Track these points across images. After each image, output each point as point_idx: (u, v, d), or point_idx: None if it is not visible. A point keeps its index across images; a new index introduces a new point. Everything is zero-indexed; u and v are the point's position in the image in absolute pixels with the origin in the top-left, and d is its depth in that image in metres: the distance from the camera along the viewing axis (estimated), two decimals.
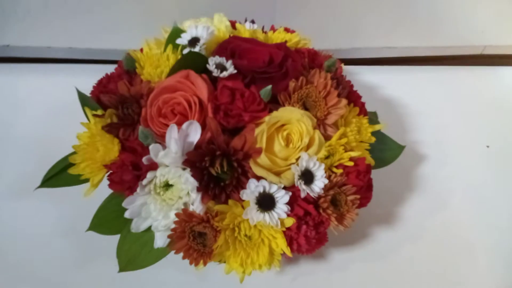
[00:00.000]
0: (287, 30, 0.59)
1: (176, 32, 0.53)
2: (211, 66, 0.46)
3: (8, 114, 0.68)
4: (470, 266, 0.57)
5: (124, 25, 0.69)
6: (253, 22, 0.60)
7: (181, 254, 0.43)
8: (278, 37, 0.57)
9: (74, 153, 0.47)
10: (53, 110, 0.69)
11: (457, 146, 0.72)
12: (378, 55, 0.84)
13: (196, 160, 0.42)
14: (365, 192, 0.49)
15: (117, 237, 0.47)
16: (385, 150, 0.58)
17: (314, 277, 0.54)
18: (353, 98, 0.53)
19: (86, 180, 0.47)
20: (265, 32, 0.59)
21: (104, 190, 0.47)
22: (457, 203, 0.64)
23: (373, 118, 0.63)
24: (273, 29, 0.60)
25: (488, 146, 0.73)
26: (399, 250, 0.58)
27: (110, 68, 0.53)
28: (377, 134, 0.54)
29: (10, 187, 0.60)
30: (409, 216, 0.61)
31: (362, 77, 0.81)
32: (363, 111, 0.54)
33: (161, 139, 0.45)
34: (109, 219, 0.47)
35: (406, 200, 0.63)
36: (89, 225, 0.47)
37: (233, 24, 0.59)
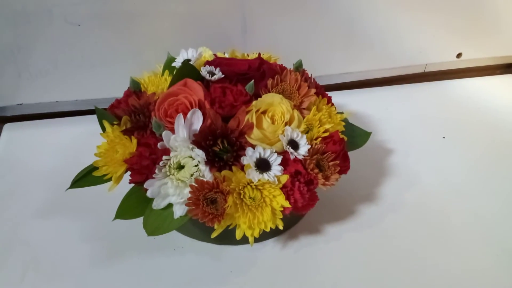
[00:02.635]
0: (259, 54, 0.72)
1: (170, 60, 0.65)
2: (203, 72, 0.58)
3: (25, 162, 0.76)
4: (444, 225, 0.65)
5: (121, 76, 0.81)
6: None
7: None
8: (252, 57, 0.69)
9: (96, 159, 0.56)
10: (64, 154, 0.77)
11: (418, 140, 0.84)
12: (339, 81, 0.98)
13: (202, 140, 0.52)
14: (342, 160, 0.59)
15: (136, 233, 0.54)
16: (355, 136, 0.68)
17: (313, 248, 0.61)
18: (320, 92, 0.65)
19: (109, 180, 0.55)
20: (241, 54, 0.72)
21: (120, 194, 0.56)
22: (424, 180, 0.74)
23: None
24: (247, 54, 0.73)
25: (444, 137, 0.84)
26: (382, 220, 0.66)
27: None
28: (346, 123, 0.65)
29: (36, 208, 0.67)
30: (387, 194, 0.70)
31: None
32: (330, 102, 0.65)
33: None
34: (131, 207, 0.55)
35: (382, 182, 0.73)
36: (115, 215, 0.54)
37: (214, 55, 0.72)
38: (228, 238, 0.58)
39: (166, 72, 0.64)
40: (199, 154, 0.51)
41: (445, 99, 0.97)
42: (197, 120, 0.54)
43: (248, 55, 0.71)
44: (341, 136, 0.60)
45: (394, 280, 0.57)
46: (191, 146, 0.52)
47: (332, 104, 0.65)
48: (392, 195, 0.70)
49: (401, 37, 0.95)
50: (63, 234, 0.63)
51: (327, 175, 0.56)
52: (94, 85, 0.81)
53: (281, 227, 0.53)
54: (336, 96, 0.94)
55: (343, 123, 0.63)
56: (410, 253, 0.61)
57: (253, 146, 0.52)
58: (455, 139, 0.84)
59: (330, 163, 0.56)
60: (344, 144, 0.59)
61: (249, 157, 0.51)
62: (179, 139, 0.52)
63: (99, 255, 0.59)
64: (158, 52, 0.81)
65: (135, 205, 0.55)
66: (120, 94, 0.83)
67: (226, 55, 0.72)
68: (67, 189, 0.56)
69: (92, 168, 0.56)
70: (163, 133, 0.52)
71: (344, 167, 0.59)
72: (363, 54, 0.95)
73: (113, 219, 0.54)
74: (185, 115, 0.55)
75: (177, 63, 0.63)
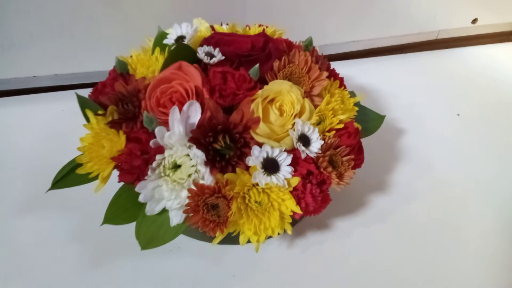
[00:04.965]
0: (260, 25, 0.64)
1: (162, 35, 0.57)
2: (201, 54, 0.50)
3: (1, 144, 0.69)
4: (460, 217, 0.61)
5: (105, 47, 0.73)
6: (228, 25, 0.65)
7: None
8: (254, 31, 0.61)
9: (80, 154, 0.49)
10: (45, 134, 0.70)
11: (431, 118, 0.78)
12: (346, 50, 0.90)
13: (200, 137, 0.45)
14: (357, 153, 0.53)
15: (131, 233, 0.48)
16: (368, 120, 0.62)
17: (322, 246, 0.56)
18: (332, 73, 0.58)
19: (95, 178, 0.49)
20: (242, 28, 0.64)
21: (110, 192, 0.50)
22: (439, 165, 0.68)
23: (352, 95, 0.67)
24: (247, 26, 0.65)
25: (458, 114, 0.78)
26: (395, 212, 0.61)
27: None
28: (358, 106, 0.58)
29: (16, 205, 0.61)
30: (399, 182, 0.65)
31: None
32: (343, 85, 0.58)
33: (164, 126, 0.47)
34: (122, 210, 0.49)
35: (394, 169, 0.67)
36: (103, 219, 0.48)
37: (211, 27, 0.64)
38: (229, 237, 0.52)
39: (157, 49, 0.56)
40: (198, 155, 0.44)
41: (458, 70, 0.90)
42: (194, 113, 0.47)
43: (249, 28, 0.63)
44: (356, 125, 0.54)
45: (410, 279, 0.53)
46: (188, 144, 0.45)
47: (345, 87, 0.58)
48: (404, 183, 0.65)
49: (412, 1, 0.87)
50: (47, 234, 0.57)
51: (340, 172, 0.50)
52: (75, 57, 0.73)
53: (290, 232, 0.48)
54: (344, 66, 0.88)
55: (356, 108, 0.56)
56: (425, 249, 0.57)
57: (259, 144, 0.46)
58: (471, 117, 0.78)
59: (344, 158, 0.50)
60: (359, 136, 0.53)
61: (256, 158, 0.45)
62: (175, 136, 0.45)
63: (87, 258, 0.54)
64: (146, 19, 0.72)
65: (126, 207, 0.49)
66: (104, 67, 0.74)
67: (225, 27, 0.63)
68: (48, 190, 0.50)
69: (75, 165, 0.49)
70: (156, 129, 0.45)
71: (358, 160, 0.53)
72: (372, 21, 0.87)
73: (101, 224, 0.48)
74: (180, 106, 0.48)
75: (170, 40, 0.55)
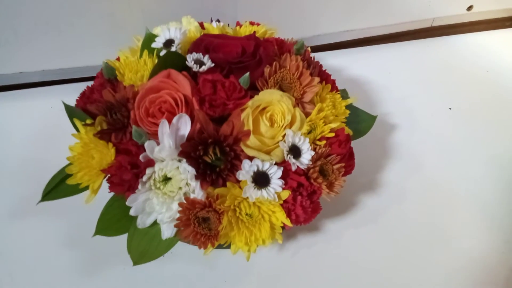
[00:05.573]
0: (252, 23, 0.63)
1: (150, 38, 0.55)
2: (190, 62, 0.49)
3: None
4: (452, 216, 0.61)
5: (92, 42, 0.71)
6: (218, 21, 0.63)
7: (186, 248, 0.45)
8: (245, 30, 0.60)
9: (69, 164, 0.49)
10: (33, 133, 0.69)
11: (423, 112, 0.77)
12: (339, 39, 0.88)
13: (191, 151, 0.45)
14: (348, 160, 0.53)
15: (123, 241, 0.49)
16: (359, 122, 0.62)
17: (312, 249, 0.57)
18: (324, 76, 0.57)
19: (86, 189, 0.49)
20: (232, 29, 0.62)
21: (102, 197, 0.49)
22: (431, 162, 0.68)
23: (343, 95, 0.67)
24: (238, 24, 0.63)
25: (450, 108, 0.78)
26: (385, 213, 0.62)
27: (83, 86, 0.54)
28: (350, 108, 0.58)
29: (4, 209, 0.60)
30: (390, 181, 0.65)
31: (326, 62, 0.84)
32: (334, 88, 0.58)
33: (153, 137, 0.47)
34: (113, 221, 0.49)
35: (385, 166, 0.68)
36: (95, 230, 0.48)
37: (200, 25, 0.62)
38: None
39: (145, 52, 0.55)
40: (189, 170, 0.44)
41: (452, 59, 0.89)
42: (184, 126, 0.46)
43: (240, 27, 0.61)
44: (347, 131, 0.54)
45: (400, 280, 0.55)
46: (178, 158, 0.45)
47: (337, 90, 0.58)
48: (395, 182, 0.66)
49: None
50: (38, 239, 0.57)
51: (331, 181, 0.50)
52: (63, 53, 0.71)
53: (280, 241, 0.49)
54: (336, 56, 0.87)
55: (348, 112, 0.56)
56: (416, 251, 0.58)
57: (250, 158, 0.46)
58: (462, 110, 0.78)
59: (335, 167, 0.50)
60: (350, 142, 0.53)
61: (246, 172, 0.45)
62: (165, 151, 0.44)
63: (80, 264, 0.55)
64: (134, 12, 0.70)
65: (118, 217, 0.49)
66: (92, 62, 0.73)
67: (215, 25, 0.62)
68: (38, 202, 0.49)
69: (65, 176, 0.49)
70: (146, 144, 0.45)
71: (349, 166, 0.54)
72: (366, 10, 0.85)
73: (93, 235, 0.48)
74: (170, 115, 0.48)
75: (158, 44, 0.54)
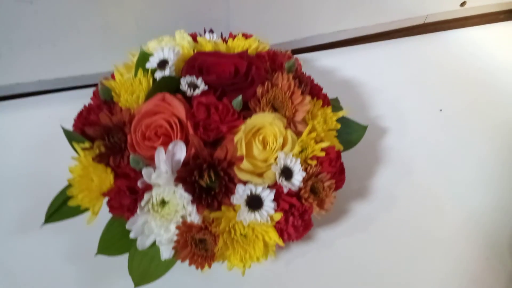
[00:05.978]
0: (245, 35, 0.63)
1: (144, 56, 0.56)
2: (183, 86, 0.50)
3: None
4: (440, 222, 0.64)
5: (87, 52, 0.72)
6: (211, 31, 0.64)
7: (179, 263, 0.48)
8: (238, 45, 0.61)
9: (70, 186, 0.51)
10: (32, 143, 0.70)
11: (414, 114, 0.78)
12: (332, 40, 0.89)
13: (186, 176, 0.47)
14: (338, 176, 0.55)
15: (125, 256, 0.51)
16: (351, 133, 0.63)
17: (305, 258, 0.60)
18: (315, 91, 0.59)
19: (87, 209, 0.51)
20: (225, 41, 0.63)
21: (106, 213, 0.51)
22: (421, 167, 0.70)
23: (335, 105, 0.68)
24: (231, 36, 0.64)
25: (441, 110, 0.80)
26: (376, 220, 0.64)
27: (80, 94, 0.55)
28: (341, 119, 0.59)
29: (4, 223, 0.62)
30: (380, 187, 0.67)
31: (319, 63, 0.86)
32: (326, 102, 0.59)
33: (150, 161, 0.49)
34: (115, 240, 0.51)
35: (375, 172, 0.69)
36: (97, 249, 0.51)
37: (194, 37, 0.63)
38: None
39: (140, 71, 0.55)
40: (185, 196, 0.46)
41: (445, 55, 0.90)
42: (180, 151, 0.48)
43: (233, 39, 0.62)
44: (337, 147, 0.55)
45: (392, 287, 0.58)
46: (175, 183, 0.47)
47: (329, 104, 0.59)
48: (385, 188, 0.67)
49: None
50: (41, 254, 0.59)
51: (321, 199, 0.52)
52: (58, 63, 0.71)
53: (274, 256, 0.51)
54: (328, 56, 0.88)
55: (339, 125, 0.58)
56: (408, 257, 0.60)
57: (243, 181, 0.48)
58: (453, 110, 0.79)
59: (326, 184, 0.52)
60: (340, 160, 0.55)
61: (240, 197, 0.47)
62: (162, 178, 0.46)
63: (83, 280, 0.57)
64: (128, 22, 0.71)
65: (118, 236, 0.51)
66: (88, 71, 0.74)
67: (208, 37, 0.62)
68: (42, 224, 0.51)
69: (67, 197, 0.51)
70: (143, 171, 0.46)
71: (339, 181, 0.56)
72: (358, 8, 0.85)
73: (96, 254, 0.50)
74: (165, 138, 0.49)
75: (152, 64, 0.55)
